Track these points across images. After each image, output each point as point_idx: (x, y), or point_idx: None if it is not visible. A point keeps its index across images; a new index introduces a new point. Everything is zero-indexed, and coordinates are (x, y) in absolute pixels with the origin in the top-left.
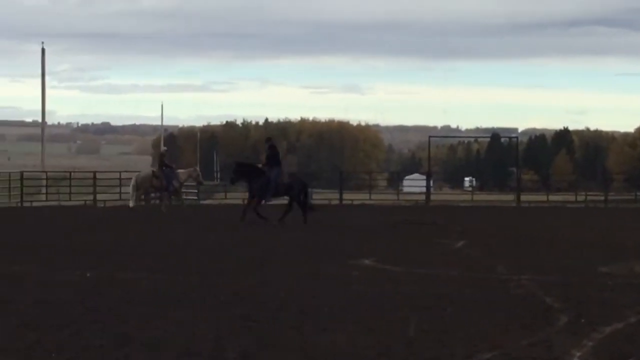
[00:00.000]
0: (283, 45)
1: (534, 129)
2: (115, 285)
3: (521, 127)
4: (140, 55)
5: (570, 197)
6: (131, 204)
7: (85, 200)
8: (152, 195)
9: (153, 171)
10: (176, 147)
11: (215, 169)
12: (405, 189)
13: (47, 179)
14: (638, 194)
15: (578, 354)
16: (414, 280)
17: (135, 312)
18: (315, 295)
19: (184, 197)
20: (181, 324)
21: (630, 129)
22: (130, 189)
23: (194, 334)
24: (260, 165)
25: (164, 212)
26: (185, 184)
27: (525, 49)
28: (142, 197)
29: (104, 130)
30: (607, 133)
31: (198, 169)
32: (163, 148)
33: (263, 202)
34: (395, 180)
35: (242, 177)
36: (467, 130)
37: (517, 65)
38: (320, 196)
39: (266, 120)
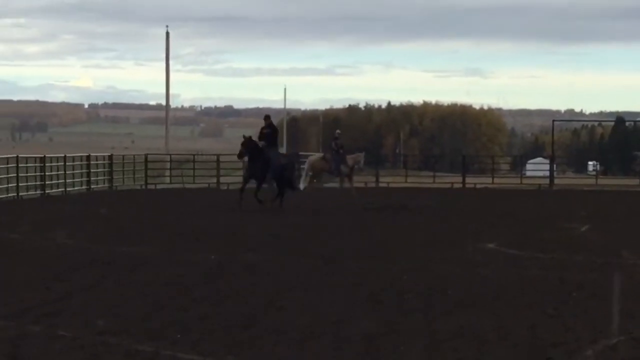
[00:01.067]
0: (407, 29)
1: None
2: (240, 267)
3: None
4: (264, 39)
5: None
6: (301, 186)
7: (209, 183)
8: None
9: (324, 155)
10: (299, 130)
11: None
12: (528, 173)
13: (171, 161)
14: None
15: None
16: (539, 264)
17: (260, 294)
18: (440, 279)
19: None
20: (305, 305)
21: None
22: (303, 172)
23: (318, 316)
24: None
25: (354, 195)
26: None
27: None
28: (314, 180)
29: (227, 113)
30: None
31: (363, 154)
32: (337, 131)
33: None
34: (518, 164)
35: (248, 153)
36: (591, 114)
37: None
38: (442, 180)
39: (389, 103)
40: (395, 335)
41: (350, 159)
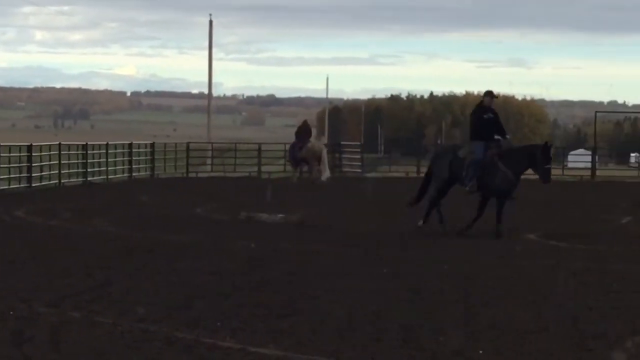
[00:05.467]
0: (450, 19)
1: None
2: (278, 256)
3: None
4: (307, 28)
5: None
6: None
7: (250, 172)
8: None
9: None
10: (340, 120)
11: (379, 143)
12: (570, 164)
13: (212, 150)
14: None
15: None
16: (579, 255)
17: (299, 283)
18: (479, 269)
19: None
20: (344, 296)
21: None
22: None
23: (357, 307)
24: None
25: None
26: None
27: None
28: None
29: (269, 102)
30: None
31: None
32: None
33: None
34: (560, 156)
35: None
36: (634, 106)
37: None
38: None
39: (431, 94)
40: (433, 325)
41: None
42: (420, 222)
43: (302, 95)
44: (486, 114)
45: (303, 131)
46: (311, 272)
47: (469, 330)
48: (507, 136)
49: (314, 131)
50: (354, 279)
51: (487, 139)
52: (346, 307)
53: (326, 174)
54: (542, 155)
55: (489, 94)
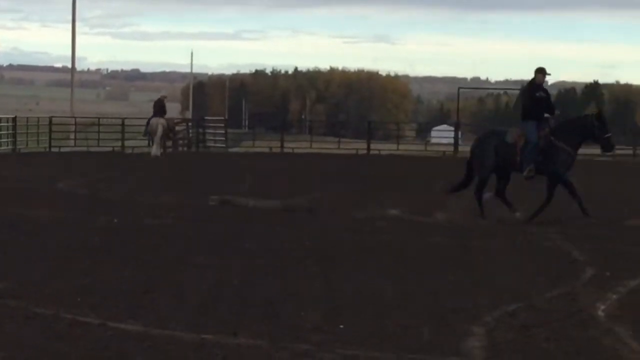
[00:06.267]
0: None
1: (564, 82)
2: (140, 231)
3: (551, 80)
4: (172, 3)
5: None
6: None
7: (114, 147)
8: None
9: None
10: (205, 95)
11: (243, 118)
12: (433, 140)
13: (75, 124)
14: None
15: (602, 307)
16: (441, 231)
17: (161, 258)
18: (342, 244)
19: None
20: (206, 271)
21: None
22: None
23: (219, 281)
24: None
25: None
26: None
27: (558, 2)
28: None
29: (134, 77)
30: (637, 87)
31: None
32: (162, 93)
33: None
34: (423, 131)
35: None
36: (497, 82)
37: (548, 17)
38: (347, 146)
39: (295, 69)
40: (295, 300)
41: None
42: (516, 214)
43: (167, 70)
44: (538, 92)
45: (158, 107)
46: (174, 248)
47: (330, 305)
48: (557, 112)
49: (178, 106)
50: (216, 254)
51: (539, 119)
52: (209, 283)
53: (153, 150)
54: (599, 124)
55: (541, 70)
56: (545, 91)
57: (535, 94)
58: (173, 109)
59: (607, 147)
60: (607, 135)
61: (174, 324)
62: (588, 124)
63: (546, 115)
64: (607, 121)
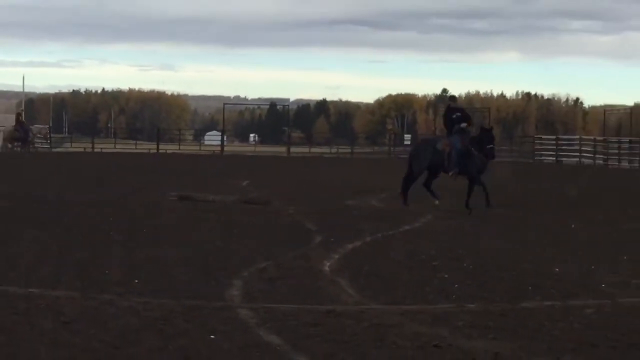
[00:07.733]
0: (119, 33)
1: (301, 99)
2: None
3: (292, 98)
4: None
5: (326, 150)
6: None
7: None
8: (15, 144)
9: (14, 127)
10: (34, 109)
11: (64, 126)
12: (206, 142)
13: None
14: (375, 148)
15: (328, 263)
16: (211, 208)
17: None
18: (136, 219)
19: (38, 145)
20: (32, 241)
21: (371, 100)
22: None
23: (43, 249)
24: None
25: (27, 155)
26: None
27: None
28: (9, 146)
29: None
30: (355, 103)
31: (47, 127)
32: (20, 109)
33: None
34: (199, 136)
35: None
36: (253, 99)
37: (290, 51)
38: (142, 147)
39: (103, 89)
40: (102, 262)
41: (35, 128)
42: (436, 202)
43: (5, 89)
44: (454, 114)
45: (16, 119)
46: (2, 221)
47: (129, 265)
48: (463, 125)
49: (12, 117)
50: (37, 226)
51: (461, 132)
52: (33, 250)
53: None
54: (486, 137)
55: (452, 98)
56: (460, 109)
57: (452, 116)
58: (9, 120)
59: (489, 154)
60: (489, 146)
61: (7, 282)
62: (482, 137)
63: (463, 125)
64: (492, 135)
